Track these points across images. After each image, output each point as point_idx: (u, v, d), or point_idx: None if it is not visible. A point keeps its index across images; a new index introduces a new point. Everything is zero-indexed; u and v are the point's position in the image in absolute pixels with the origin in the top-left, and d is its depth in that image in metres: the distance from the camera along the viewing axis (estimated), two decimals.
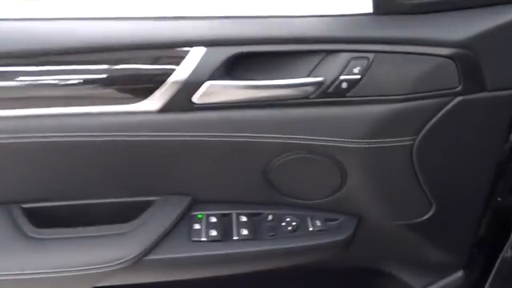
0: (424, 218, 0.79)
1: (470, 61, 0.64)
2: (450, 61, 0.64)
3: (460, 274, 0.88)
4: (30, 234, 0.73)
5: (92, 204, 0.76)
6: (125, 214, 0.76)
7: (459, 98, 0.67)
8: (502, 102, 0.68)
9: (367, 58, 0.64)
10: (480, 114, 0.69)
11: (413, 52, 0.64)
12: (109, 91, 0.66)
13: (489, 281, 0.76)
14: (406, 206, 0.78)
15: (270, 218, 0.78)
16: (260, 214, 0.79)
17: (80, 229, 0.74)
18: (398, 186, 0.75)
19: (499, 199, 0.80)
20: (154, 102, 0.65)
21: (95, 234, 0.74)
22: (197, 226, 0.75)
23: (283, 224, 0.78)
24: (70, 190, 0.75)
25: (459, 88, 0.66)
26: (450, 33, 0.64)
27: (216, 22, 0.65)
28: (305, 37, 0.64)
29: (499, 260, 0.76)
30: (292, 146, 0.70)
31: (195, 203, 0.78)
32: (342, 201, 0.77)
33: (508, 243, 0.75)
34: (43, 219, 0.74)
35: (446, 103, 0.67)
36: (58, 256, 0.72)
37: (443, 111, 0.67)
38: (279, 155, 0.72)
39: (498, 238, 0.79)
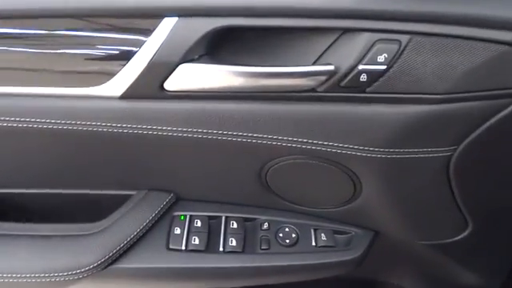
0: (457, 238, 0.69)
1: None
2: None
3: None
4: None
5: (52, 194, 0.67)
6: (94, 210, 0.67)
7: None
8: None
9: (398, 41, 0.49)
10: None
11: (463, 36, 0.49)
12: (59, 69, 0.55)
13: None
14: (435, 225, 0.68)
15: (266, 226, 0.69)
16: (254, 219, 0.70)
17: (38, 226, 0.67)
18: (426, 202, 0.64)
19: None
20: (115, 86, 0.54)
21: (56, 234, 0.66)
22: (177, 231, 0.67)
23: (280, 235, 0.68)
24: (27, 177, 0.66)
25: None
26: None
27: None
28: (313, 8, 0.49)
29: None
30: (291, 149, 0.57)
31: (178, 201, 0.70)
32: (355, 213, 0.66)
33: None
34: None
35: (504, 107, 0.53)
36: (10, 257, 0.64)
37: (498, 116, 0.53)
38: (275, 158, 0.59)
39: None
